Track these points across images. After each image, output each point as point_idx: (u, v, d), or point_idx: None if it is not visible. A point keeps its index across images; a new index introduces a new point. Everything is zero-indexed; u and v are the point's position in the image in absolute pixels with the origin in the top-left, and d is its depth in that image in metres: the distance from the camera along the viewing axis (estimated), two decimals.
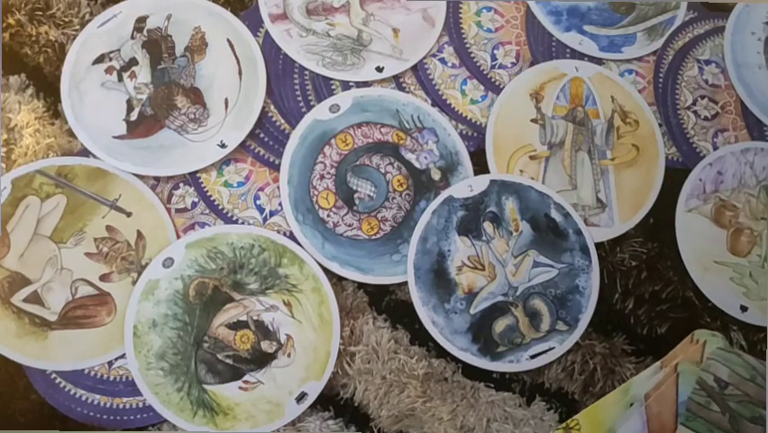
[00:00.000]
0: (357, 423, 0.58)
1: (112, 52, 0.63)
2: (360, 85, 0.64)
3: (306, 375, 0.57)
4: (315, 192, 0.61)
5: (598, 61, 0.67)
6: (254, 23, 0.65)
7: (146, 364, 0.56)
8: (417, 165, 0.63)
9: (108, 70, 0.62)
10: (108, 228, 0.59)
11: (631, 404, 0.52)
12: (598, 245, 0.62)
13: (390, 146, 0.63)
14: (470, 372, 0.59)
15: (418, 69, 0.65)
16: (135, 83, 0.62)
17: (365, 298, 0.60)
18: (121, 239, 0.59)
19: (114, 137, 0.61)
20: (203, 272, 0.58)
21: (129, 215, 0.60)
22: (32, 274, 0.58)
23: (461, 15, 0.67)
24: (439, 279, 0.60)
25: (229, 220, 0.61)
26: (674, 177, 0.64)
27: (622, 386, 0.55)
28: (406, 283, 0.60)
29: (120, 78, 0.62)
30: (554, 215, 0.62)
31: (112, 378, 0.57)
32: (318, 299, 0.58)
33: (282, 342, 0.57)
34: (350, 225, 0.61)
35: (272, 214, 0.62)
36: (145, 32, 0.64)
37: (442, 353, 0.59)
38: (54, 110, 0.62)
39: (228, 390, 0.57)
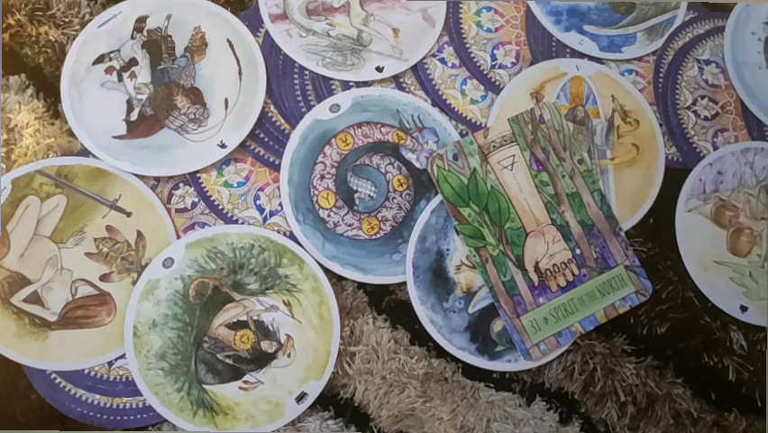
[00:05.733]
0: (357, 423, 0.58)
1: (112, 52, 0.63)
2: (360, 85, 0.64)
3: (306, 375, 0.57)
4: (316, 192, 0.61)
5: (599, 61, 0.67)
6: (254, 23, 0.65)
7: (146, 364, 0.56)
8: (418, 165, 0.63)
9: (108, 70, 0.62)
10: (108, 228, 0.59)
11: None
12: None
13: (391, 146, 0.63)
14: (470, 371, 0.59)
15: (418, 69, 0.65)
16: (135, 83, 0.62)
17: (365, 298, 0.60)
18: (121, 239, 0.59)
19: (114, 137, 0.61)
20: (203, 272, 0.58)
21: (129, 215, 0.60)
22: (32, 274, 0.58)
23: (461, 15, 0.67)
24: (438, 278, 0.60)
25: (229, 220, 0.61)
26: (674, 177, 0.64)
27: None
28: (405, 283, 0.60)
29: (120, 78, 0.62)
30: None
31: (112, 378, 0.57)
32: (318, 299, 0.58)
33: (282, 342, 0.57)
34: (350, 225, 0.61)
35: (272, 214, 0.62)
36: (145, 32, 0.64)
37: (442, 353, 0.59)
38: (54, 110, 0.62)
39: (228, 390, 0.57)
